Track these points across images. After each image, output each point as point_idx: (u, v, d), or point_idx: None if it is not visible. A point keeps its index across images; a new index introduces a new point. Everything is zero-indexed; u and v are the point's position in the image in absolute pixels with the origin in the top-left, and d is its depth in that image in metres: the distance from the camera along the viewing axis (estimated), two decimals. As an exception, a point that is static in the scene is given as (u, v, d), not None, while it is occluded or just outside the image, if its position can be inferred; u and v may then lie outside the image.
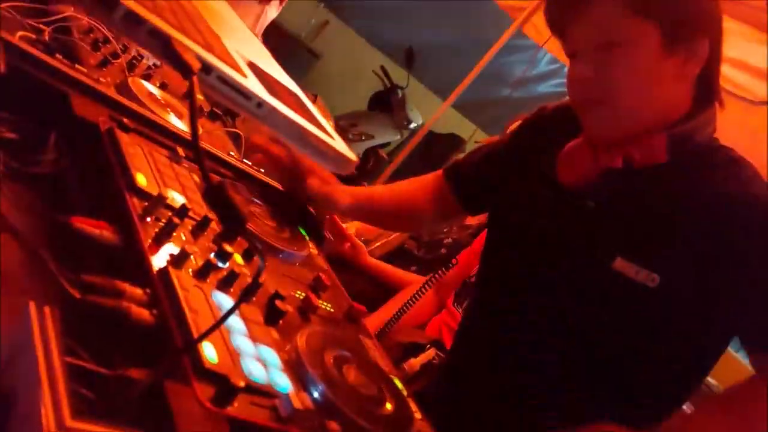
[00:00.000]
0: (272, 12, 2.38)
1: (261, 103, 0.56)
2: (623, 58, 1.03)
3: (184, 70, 0.49)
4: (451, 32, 6.01)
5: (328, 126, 0.70)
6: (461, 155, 1.54)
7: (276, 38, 4.61)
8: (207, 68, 0.52)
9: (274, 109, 0.56)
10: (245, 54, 0.67)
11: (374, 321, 2.02)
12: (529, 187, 1.22)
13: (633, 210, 1.10)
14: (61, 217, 0.73)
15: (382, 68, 5.92)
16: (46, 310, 0.51)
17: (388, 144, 6.04)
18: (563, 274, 1.12)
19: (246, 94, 0.55)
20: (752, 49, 2.68)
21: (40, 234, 0.72)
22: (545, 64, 5.99)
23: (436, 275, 2.00)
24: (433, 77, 6.23)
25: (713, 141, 1.13)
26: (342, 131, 5.69)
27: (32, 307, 0.50)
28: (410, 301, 1.87)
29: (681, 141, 1.08)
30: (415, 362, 1.87)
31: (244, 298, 0.59)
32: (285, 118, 0.57)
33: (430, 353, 1.89)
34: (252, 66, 0.66)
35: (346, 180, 3.95)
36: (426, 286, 1.98)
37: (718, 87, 1.13)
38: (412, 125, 5.92)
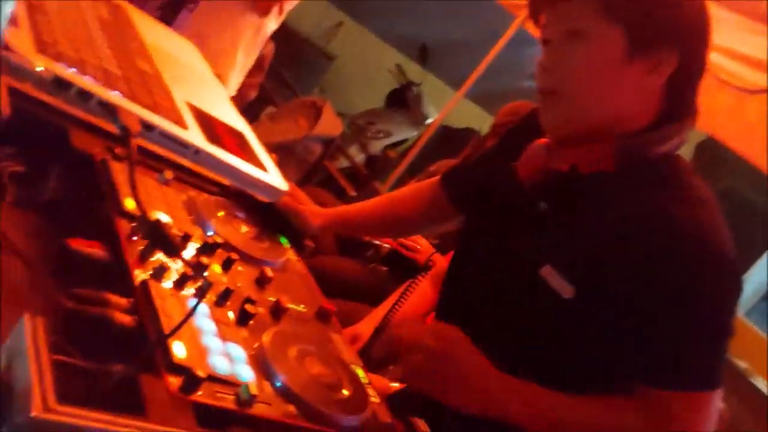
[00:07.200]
0: (271, 24, 2.49)
1: (198, 151, 0.69)
2: (584, 53, 1.05)
3: (124, 133, 0.61)
4: (464, 26, 6.08)
5: (267, 158, 0.82)
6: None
7: (290, 43, 4.76)
8: (149, 127, 0.65)
9: (209, 155, 0.69)
10: (197, 102, 0.80)
11: (377, 316, 2.14)
12: (498, 188, 1.26)
13: (574, 217, 1.10)
14: (60, 239, 0.87)
15: (398, 66, 6.04)
16: (38, 320, 0.64)
17: (405, 141, 6.15)
18: (502, 278, 1.16)
19: (184, 144, 0.68)
20: (744, 38, 2.74)
21: (42, 254, 0.85)
22: (562, 54, 6.02)
23: (414, 282, 2.10)
24: (450, 71, 6.30)
25: (670, 159, 1.10)
26: (359, 130, 5.82)
27: (27, 318, 0.63)
28: (396, 305, 1.98)
29: (631, 153, 1.07)
30: None
31: (196, 306, 0.71)
32: (219, 160, 0.70)
33: None
34: (197, 113, 0.78)
35: (358, 180, 4.06)
36: (407, 291, 2.08)
37: (692, 103, 1.10)
38: (429, 121, 6.02)
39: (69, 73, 0.60)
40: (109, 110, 0.61)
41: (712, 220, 1.03)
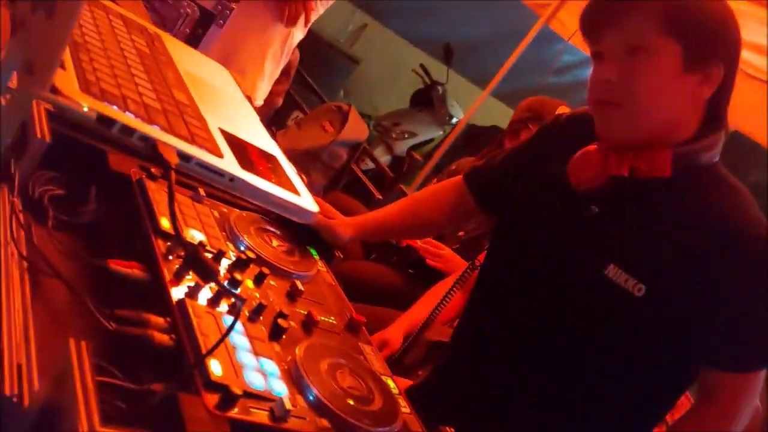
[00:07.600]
0: (298, 34, 2.52)
1: (233, 178, 0.71)
2: (645, 65, 1.12)
3: (164, 166, 0.64)
4: (487, 24, 6.08)
5: (298, 181, 0.85)
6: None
7: (314, 48, 4.80)
8: (186, 158, 0.68)
9: (243, 181, 0.72)
10: (229, 127, 0.83)
11: (405, 321, 2.16)
12: (537, 191, 1.31)
13: (632, 219, 1.18)
14: (100, 261, 0.91)
15: (422, 66, 6.05)
16: (82, 344, 0.67)
17: (431, 140, 6.17)
18: (557, 278, 1.21)
19: (220, 172, 0.71)
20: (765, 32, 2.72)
21: (82, 276, 0.89)
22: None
23: (466, 273, 2.13)
24: (474, 70, 6.31)
25: (715, 165, 1.21)
26: (385, 131, 5.84)
27: (72, 342, 0.67)
28: (439, 306, 2.01)
29: (685, 160, 1.16)
30: None
31: (233, 326, 0.74)
32: (253, 186, 0.73)
33: None
34: (231, 140, 0.81)
35: (384, 183, 4.08)
36: (455, 288, 2.11)
37: (726, 114, 1.21)
38: (454, 120, 6.03)
39: (112, 110, 0.64)
40: (149, 144, 0.64)
41: (759, 216, 1.17)
